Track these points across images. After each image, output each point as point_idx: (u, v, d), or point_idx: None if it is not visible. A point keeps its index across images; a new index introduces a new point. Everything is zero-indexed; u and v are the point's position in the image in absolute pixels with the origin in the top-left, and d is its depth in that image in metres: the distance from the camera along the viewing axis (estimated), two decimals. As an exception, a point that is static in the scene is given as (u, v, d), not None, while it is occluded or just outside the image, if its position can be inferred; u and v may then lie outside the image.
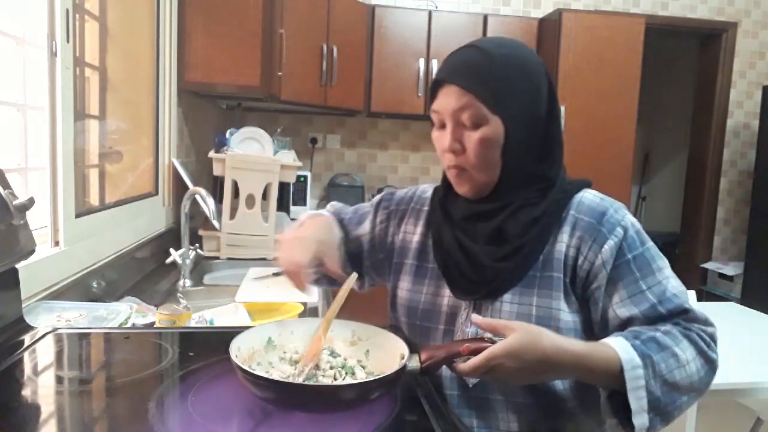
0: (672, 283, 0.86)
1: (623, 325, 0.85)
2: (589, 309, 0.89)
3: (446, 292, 0.96)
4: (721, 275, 4.01)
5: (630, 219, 0.89)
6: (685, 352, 0.80)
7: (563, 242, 0.89)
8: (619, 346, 0.78)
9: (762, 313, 2.05)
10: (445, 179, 0.98)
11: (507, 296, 0.89)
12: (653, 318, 0.84)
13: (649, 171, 5.55)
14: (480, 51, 0.88)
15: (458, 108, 0.86)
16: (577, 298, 0.89)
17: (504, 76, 0.86)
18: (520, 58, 0.89)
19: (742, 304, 2.29)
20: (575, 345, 0.77)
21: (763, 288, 3.66)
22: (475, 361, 0.74)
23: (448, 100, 0.87)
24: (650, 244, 0.89)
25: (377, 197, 1.13)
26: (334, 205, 1.18)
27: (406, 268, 1.03)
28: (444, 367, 0.79)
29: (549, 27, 3.27)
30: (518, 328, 0.75)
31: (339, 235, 1.03)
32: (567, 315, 0.87)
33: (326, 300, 1.62)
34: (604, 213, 0.89)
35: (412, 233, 1.04)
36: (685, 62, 4.80)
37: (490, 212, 0.91)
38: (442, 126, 0.90)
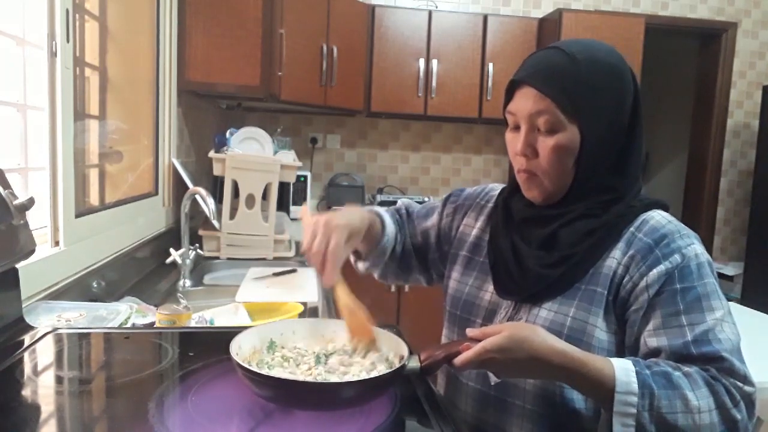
0: (722, 328, 0.78)
1: (649, 355, 0.80)
2: (625, 332, 0.84)
3: (490, 288, 0.96)
4: (721, 275, 4.01)
5: (696, 250, 0.84)
6: (700, 400, 0.73)
7: (615, 258, 0.85)
8: (619, 367, 0.74)
9: (762, 313, 2.05)
10: (512, 180, 0.96)
11: (547, 303, 0.87)
12: (681, 356, 0.77)
13: (649, 171, 5.54)
14: (563, 53, 0.84)
15: (534, 112, 0.83)
16: (617, 318, 0.85)
17: (586, 83, 0.82)
18: (607, 65, 0.84)
19: (742, 304, 2.30)
20: (570, 349, 0.75)
21: (763, 288, 3.65)
22: (468, 354, 0.74)
23: (524, 102, 0.85)
24: (711, 281, 0.82)
25: (447, 193, 1.14)
26: (404, 201, 1.19)
27: (458, 259, 1.04)
28: None
29: (549, 27, 3.26)
30: (510, 326, 0.76)
31: (366, 225, 0.98)
32: (602, 333, 0.83)
33: (326, 300, 1.62)
34: (665, 236, 0.84)
35: (472, 226, 1.05)
36: (685, 62, 4.80)
37: (549, 218, 0.90)
38: (516, 128, 0.88)
